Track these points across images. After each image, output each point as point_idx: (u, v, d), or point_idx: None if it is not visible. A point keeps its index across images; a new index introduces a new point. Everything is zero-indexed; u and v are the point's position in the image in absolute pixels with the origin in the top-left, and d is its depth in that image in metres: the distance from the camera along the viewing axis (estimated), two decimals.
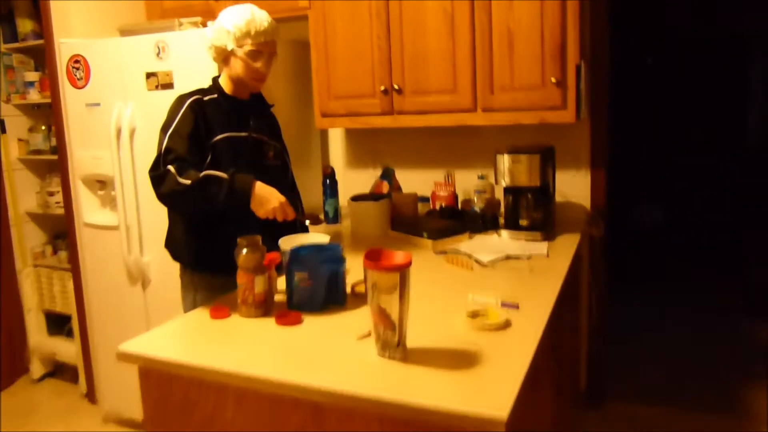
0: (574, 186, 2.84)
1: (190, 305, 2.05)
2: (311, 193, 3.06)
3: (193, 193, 1.82)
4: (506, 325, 1.56)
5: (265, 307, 1.71)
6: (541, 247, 2.27)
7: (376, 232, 2.61)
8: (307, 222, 2.00)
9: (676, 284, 4.91)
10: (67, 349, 3.55)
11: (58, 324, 3.69)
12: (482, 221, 2.61)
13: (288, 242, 1.90)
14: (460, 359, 1.39)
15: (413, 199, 2.77)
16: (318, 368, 1.38)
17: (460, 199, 2.91)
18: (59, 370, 3.74)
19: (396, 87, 2.65)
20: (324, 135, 3.32)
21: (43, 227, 3.76)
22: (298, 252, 1.72)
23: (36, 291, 3.66)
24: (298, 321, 1.65)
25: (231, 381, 1.40)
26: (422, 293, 1.80)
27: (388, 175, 2.89)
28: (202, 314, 1.74)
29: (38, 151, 3.56)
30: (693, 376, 3.39)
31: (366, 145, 3.22)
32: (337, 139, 3.30)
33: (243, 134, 2.03)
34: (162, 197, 1.87)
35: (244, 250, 1.68)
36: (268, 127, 2.17)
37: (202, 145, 1.93)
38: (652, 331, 4.03)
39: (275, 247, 1.86)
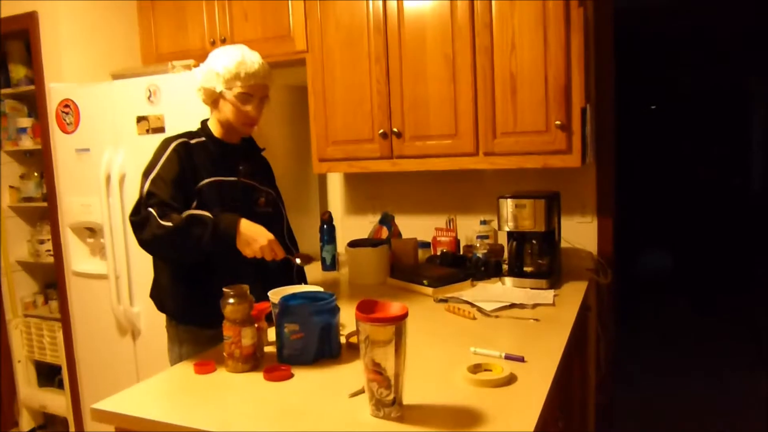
0: (580, 232, 2.74)
1: (175, 359, 1.94)
2: (309, 240, 2.97)
3: (176, 236, 1.73)
4: (511, 379, 1.44)
5: (253, 361, 1.61)
6: (547, 295, 2.16)
7: (374, 279, 2.51)
8: (298, 261, 1.87)
9: (684, 331, 4.78)
10: (57, 401, 3.41)
11: (48, 375, 3.57)
12: (485, 268, 2.51)
13: (279, 294, 1.80)
14: (462, 418, 1.27)
15: (413, 245, 2.68)
16: (307, 428, 1.27)
17: (462, 244, 2.82)
18: (50, 422, 3.59)
19: (395, 131, 2.59)
20: (322, 180, 3.25)
21: (34, 276, 3.66)
22: (288, 302, 1.63)
23: (26, 341, 3.54)
24: (288, 376, 1.54)
25: None
26: (421, 345, 1.69)
27: (387, 220, 2.81)
28: (186, 369, 1.63)
29: (30, 199, 3.50)
30: (702, 424, 3.26)
31: (365, 190, 3.15)
32: (335, 184, 3.24)
33: (232, 179, 1.95)
34: (143, 243, 1.78)
35: (231, 300, 1.58)
36: (260, 173, 2.09)
37: (188, 190, 1.85)
38: (661, 378, 3.89)
39: (266, 297, 1.76)
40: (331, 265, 2.82)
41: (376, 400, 1.28)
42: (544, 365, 1.53)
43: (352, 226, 3.15)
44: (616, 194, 2.81)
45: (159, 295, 1.99)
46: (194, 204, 1.85)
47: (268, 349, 1.72)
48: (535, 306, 2.04)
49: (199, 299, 1.86)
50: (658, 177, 5.87)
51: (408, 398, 1.31)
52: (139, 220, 1.76)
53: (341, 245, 2.88)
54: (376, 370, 1.25)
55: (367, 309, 1.30)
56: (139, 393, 1.51)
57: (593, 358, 2.83)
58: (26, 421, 3.55)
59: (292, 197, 2.90)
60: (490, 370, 1.48)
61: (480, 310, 2.03)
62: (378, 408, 1.28)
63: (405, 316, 1.28)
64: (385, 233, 2.77)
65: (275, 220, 2.11)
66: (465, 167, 2.54)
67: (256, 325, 1.65)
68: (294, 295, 1.71)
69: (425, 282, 2.30)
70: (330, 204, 3.24)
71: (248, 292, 1.62)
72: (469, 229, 2.84)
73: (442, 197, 2.98)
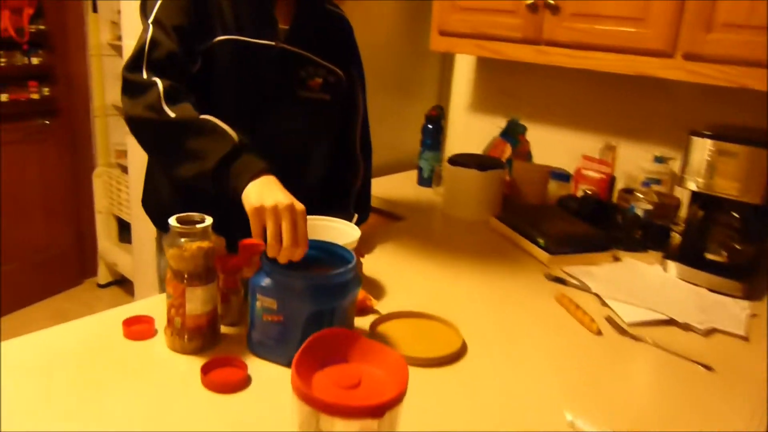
0: None
1: (162, 273, 1.39)
2: (406, 142, 2.25)
3: (175, 137, 1.11)
4: None
5: (202, 339, 0.99)
6: (737, 312, 1.31)
7: (474, 214, 1.77)
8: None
9: None
10: (126, 260, 3.15)
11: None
12: (644, 233, 1.67)
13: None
14: None
15: (543, 176, 1.87)
16: None
17: (616, 187, 1.96)
18: (127, 280, 3.39)
19: (550, 1, 1.72)
20: (447, 63, 2.44)
21: None
22: (266, 260, 0.96)
23: (106, 193, 3.26)
24: (241, 382, 0.91)
25: None
26: (484, 368, 0.97)
27: (513, 132, 2.00)
28: (116, 321, 1.05)
29: None
30: None
31: (494, 83, 2.31)
32: (462, 70, 2.41)
33: (264, 42, 1.25)
34: (131, 120, 1.16)
35: (180, 239, 0.95)
36: (321, 39, 1.35)
37: (191, 44, 1.19)
38: None
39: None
40: (428, 179, 2.10)
41: None
42: None
43: (470, 131, 2.36)
44: None
45: (151, 204, 1.41)
46: (195, 68, 1.20)
47: (232, 330, 1.09)
48: (709, 333, 1.21)
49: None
50: None
51: None
52: (136, 82, 1.14)
53: (451, 153, 2.14)
54: None
55: (328, 360, 0.61)
56: (19, 347, 0.96)
57: None
58: (103, 275, 3.36)
59: (395, 82, 2.16)
60: None
61: (611, 319, 1.24)
62: None
63: (397, 401, 0.57)
64: (507, 151, 1.97)
65: (329, 120, 1.40)
66: (648, 73, 1.64)
67: (220, 283, 1.03)
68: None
69: (540, 241, 1.52)
70: (452, 98, 2.45)
71: (209, 226, 0.97)
72: (633, 165, 1.95)
73: (602, 112, 2.07)
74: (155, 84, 1.11)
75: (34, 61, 2.80)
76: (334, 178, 1.44)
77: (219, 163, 1.05)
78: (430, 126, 2.06)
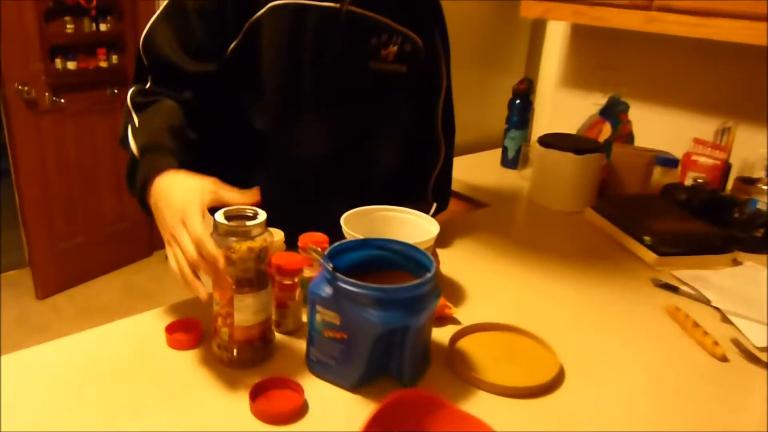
0: None
1: None
2: (491, 118, 2.05)
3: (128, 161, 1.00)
4: None
5: (254, 353, 0.85)
6: None
7: (567, 204, 1.57)
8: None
9: None
10: None
11: None
12: (767, 232, 1.42)
13: (352, 223, 0.99)
14: None
15: (647, 161, 1.63)
16: None
17: (731, 176, 1.70)
18: None
19: None
20: (538, 31, 2.20)
21: None
22: (332, 261, 0.80)
23: None
24: (295, 411, 0.77)
25: None
26: (593, 396, 0.80)
27: (614, 110, 1.76)
28: (161, 323, 0.93)
29: None
30: None
31: (594, 54, 2.07)
32: (555, 40, 2.18)
33: (330, 4, 1.08)
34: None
35: (228, 238, 0.81)
36: (403, 0, 1.17)
37: (227, 22, 1.04)
38: None
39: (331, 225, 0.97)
40: (512, 160, 1.90)
41: None
42: None
43: (562, 108, 2.13)
44: None
45: None
46: (236, 46, 1.05)
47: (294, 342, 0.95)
48: None
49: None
50: None
51: None
52: (136, 98, 1.05)
53: (539, 132, 1.93)
54: None
55: (397, 422, 0.46)
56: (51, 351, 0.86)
57: None
58: None
59: (480, 52, 1.96)
60: None
61: (738, 342, 1.03)
62: None
63: None
64: (605, 132, 1.74)
65: (413, 90, 1.23)
66: None
67: (274, 287, 0.89)
68: (365, 244, 0.88)
69: (646, 239, 1.31)
70: (542, 71, 2.22)
71: (263, 222, 0.82)
72: (752, 151, 1.69)
73: (718, 89, 1.80)
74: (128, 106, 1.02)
75: (103, 28, 2.73)
76: (411, 163, 1.27)
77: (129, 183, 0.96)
78: (517, 101, 1.85)
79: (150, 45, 1.02)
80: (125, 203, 3.10)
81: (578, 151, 1.52)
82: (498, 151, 1.97)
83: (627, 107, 1.76)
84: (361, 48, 1.11)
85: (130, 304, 2.78)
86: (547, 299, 1.13)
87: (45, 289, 2.85)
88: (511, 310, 1.07)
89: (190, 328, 0.91)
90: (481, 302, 1.08)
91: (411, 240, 0.90)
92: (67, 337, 0.90)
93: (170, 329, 0.90)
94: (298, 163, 1.14)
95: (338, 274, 0.77)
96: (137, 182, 0.91)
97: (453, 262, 1.21)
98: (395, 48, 1.14)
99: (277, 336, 0.92)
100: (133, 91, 1.04)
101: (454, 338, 0.95)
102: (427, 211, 1.24)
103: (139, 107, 1.01)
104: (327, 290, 0.79)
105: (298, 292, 0.93)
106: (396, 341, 0.80)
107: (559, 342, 0.94)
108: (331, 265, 0.78)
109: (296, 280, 0.91)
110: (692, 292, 1.19)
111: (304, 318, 0.95)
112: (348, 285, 0.77)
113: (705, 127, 1.77)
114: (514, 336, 0.97)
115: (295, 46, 1.06)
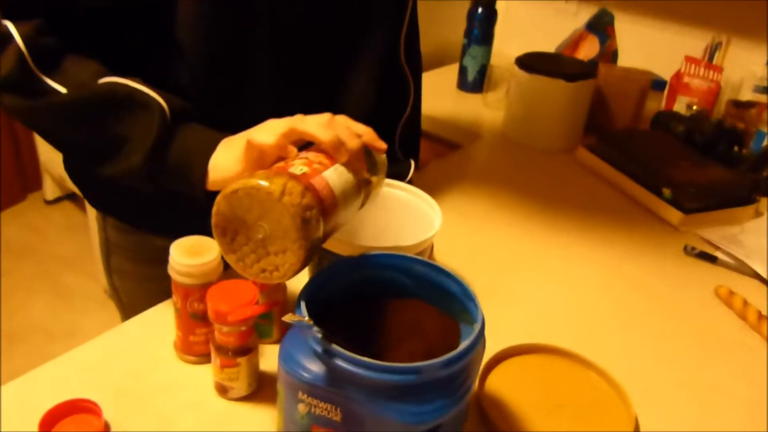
0: None
1: (108, 271, 0.90)
2: (448, 33, 1.71)
3: (68, 127, 0.63)
4: None
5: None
6: None
7: (552, 141, 1.29)
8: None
9: None
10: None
11: None
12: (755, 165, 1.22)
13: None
14: None
15: (641, 86, 1.37)
16: None
17: (722, 98, 1.48)
18: (77, 196, 2.85)
19: None
20: None
21: None
22: (314, 290, 0.48)
23: None
24: None
25: None
26: None
27: (600, 23, 1.46)
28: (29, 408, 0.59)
29: None
30: None
31: None
32: None
33: None
34: (8, 111, 0.63)
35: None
36: None
37: None
38: None
39: None
40: (473, 83, 1.58)
41: None
42: None
43: (532, 18, 1.81)
44: None
45: (75, 171, 0.87)
46: None
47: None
48: None
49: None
50: None
51: None
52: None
53: (503, 49, 1.62)
54: None
55: None
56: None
57: None
58: (50, 189, 2.80)
59: None
60: None
61: None
62: None
63: None
64: (592, 47, 1.44)
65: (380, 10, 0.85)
66: None
67: (213, 338, 0.57)
68: (356, 264, 0.56)
69: (665, 192, 1.06)
70: None
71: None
72: (742, 69, 1.47)
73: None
74: (15, 50, 0.59)
75: None
76: (377, 110, 0.92)
77: (151, 153, 0.58)
78: (479, 11, 1.51)
79: None
80: None
81: (569, 77, 1.23)
82: (452, 69, 1.65)
83: (612, 18, 1.47)
84: None
85: (8, 265, 2.30)
86: (564, 278, 0.87)
87: None
88: (527, 306, 0.80)
89: (82, 413, 0.57)
90: (482, 289, 0.80)
91: (408, 232, 0.60)
92: None
93: (48, 422, 0.55)
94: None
95: (337, 349, 0.46)
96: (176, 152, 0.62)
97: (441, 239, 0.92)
98: None
99: (225, 404, 0.61)
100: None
101: (483, 374, 0.67)
102: (405, 174, 0.93)
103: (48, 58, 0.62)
104: (316, 368, 0.47)
105: (253, 338, 0.61)
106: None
107: (599, 354, 0.69)
108: (320, 335, 0.46)
109: (249, 325, 0.59)
110: (730, 260, 0.96)
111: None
112: (355, 367, 0.45)
113: (692, 42, 1.52)
114: (559, 361, 0.71)
115: None
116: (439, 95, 1.58)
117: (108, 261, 0.87)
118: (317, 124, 0.55)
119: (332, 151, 0.54)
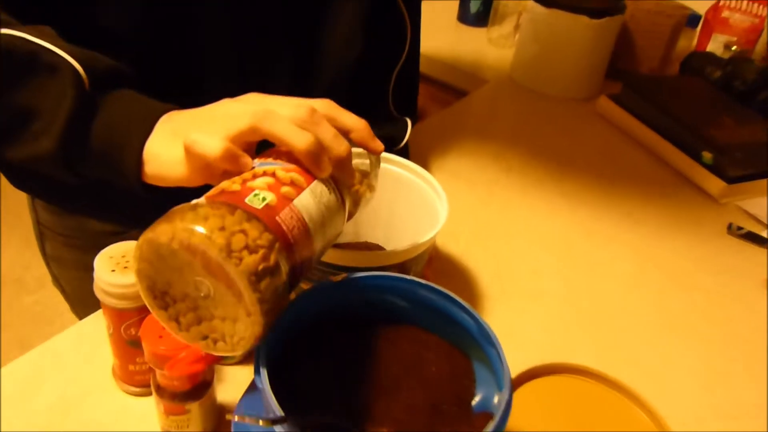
0: None
1: (52, 271, 0.76)
2: None
3: None
4: None
5: None
6: None
7: (569, 90, 1.13)
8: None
9: None
10: None
11: None
12: None
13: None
14: None
15: (676, 22, 1.19)
16: None
17: (766, 37, 1.30)
18: None
19: None
20: None
21: None
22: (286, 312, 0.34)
23: None
24: None
25: None
26: None
27: None
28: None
29: None
30: None
31: None
32: None
33: None
34: None
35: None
36: None
37: None
38: None
39: None
40: (477, 15, 1.39)
41: None
42: None
43: None
44: None
45: None
46: None
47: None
48: None
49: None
50: None
51: None
52: None
53: None
54: None
55: None
56: None
57: None
58: None
59: None
60: None
61: None
62: None
63: None
64: None
65: None
66: None
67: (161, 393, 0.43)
68: (336, 288, 0.42)
69: (706, 156, 0.91)
70: None
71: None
72: None
73: None
74: None
75: None
76: (366, 57, 0.74)
77: (65, 134, 0.42)
78: None
79: None
80: None
81: (594, 13, 1.05)
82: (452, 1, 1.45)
83: None
84: None
85: None
86: (587, 266, 0.73)
87: None
88: (540, 296, 0.67)
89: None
90: (491, 282, 0.67)
91: (404, 223, 0.46)
92: None
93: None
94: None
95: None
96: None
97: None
98: None
99: None
100: None
101: None
102: (401, 137, 0.77)
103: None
104: None
105: (208, 372, 0.47)
106: None
107: (632, 371, 0.56)
108: None
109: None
110: None
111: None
112: None
113: None
114: (590, 387, 0.58)
115: None
116: (438, 28, 1.38)
117: (43, 246, 0.72)
118: (289, 123, 0.38)
119: (310, 164, 0.38)
